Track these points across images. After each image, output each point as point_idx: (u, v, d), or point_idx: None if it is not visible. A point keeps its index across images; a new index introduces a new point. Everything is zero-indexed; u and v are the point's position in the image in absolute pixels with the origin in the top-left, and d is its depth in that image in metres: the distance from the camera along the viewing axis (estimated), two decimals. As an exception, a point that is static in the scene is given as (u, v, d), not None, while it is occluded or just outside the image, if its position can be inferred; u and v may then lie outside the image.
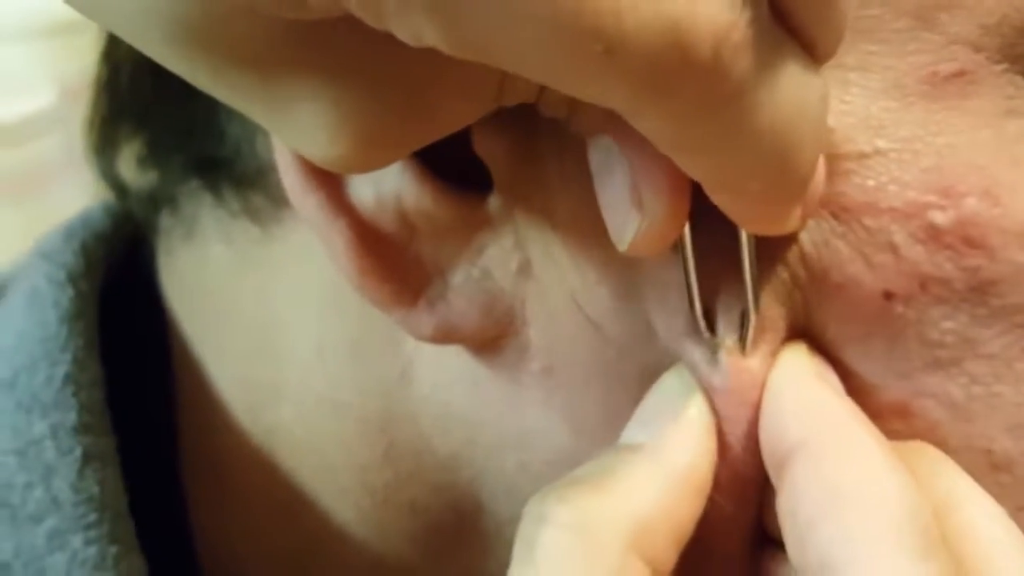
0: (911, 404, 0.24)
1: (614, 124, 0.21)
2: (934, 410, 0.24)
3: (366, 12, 0.17)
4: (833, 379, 0.24)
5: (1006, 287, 0.23)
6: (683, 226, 0.22)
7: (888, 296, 0.23)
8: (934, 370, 0.23)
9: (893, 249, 0.23)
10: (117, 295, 0.32)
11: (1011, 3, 0.22)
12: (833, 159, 0.22)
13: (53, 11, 0.85)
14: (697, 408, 0.24)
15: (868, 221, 0.22)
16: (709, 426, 0.24)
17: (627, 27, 0.17)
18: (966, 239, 0.22)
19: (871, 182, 0.22)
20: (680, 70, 0.17)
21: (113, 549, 0.27)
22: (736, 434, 0.24)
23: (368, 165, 0.21)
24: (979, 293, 0.23)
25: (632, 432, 0.24)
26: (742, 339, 0.23)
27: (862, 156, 0.22)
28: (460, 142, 0.24)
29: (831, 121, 0.22)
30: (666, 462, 0.23)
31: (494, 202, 0.25)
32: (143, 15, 0.19)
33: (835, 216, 0.23)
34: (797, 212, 0.22)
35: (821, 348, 0.24)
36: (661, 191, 0.21)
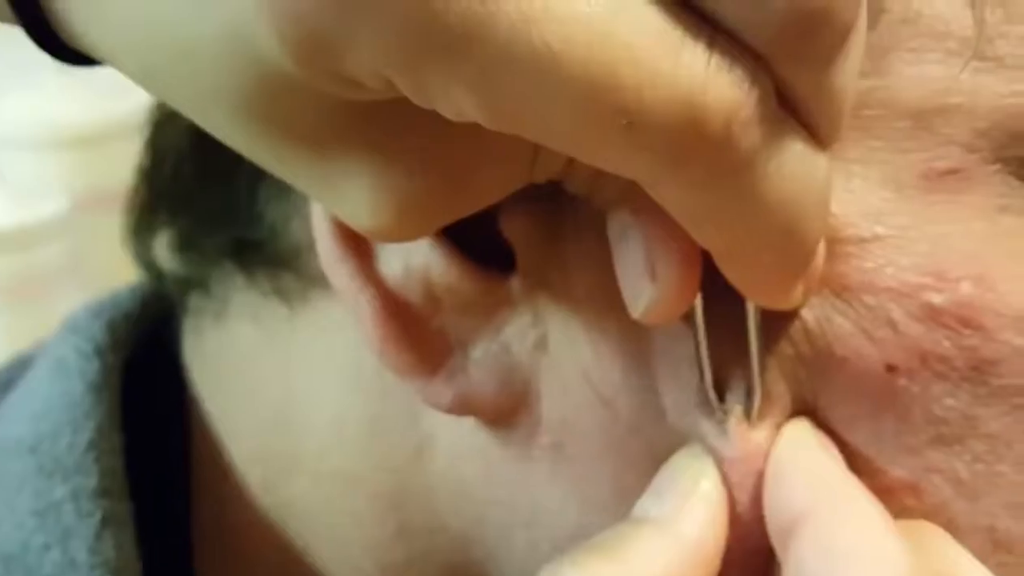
0: (920, 481, 0.24)
1: (632, 197, 0.22)
2: (942, 487, 0.24)
3: (415, 92, 0.19)
4: (835, 452, 0.25)
5: (1004, 368, 0.24)
6: (694, 296, 0.23)
7: (890, 369, 0.24)
8: (939, 446, 0.24)
9: (892, 325, 0.24)
10: (141, 372, 0.33)
11: (1003, 110, 0.24)
12: (836, 242, 0.24)
13: (71, 124, 0.88)
14: (710, 482, 0.24)
15: (868, 299, 0.24)
16: (721, 501, 0.24)
17: (647, 104, 0.18)
18: (962, 320, 0.24)
19: (870, 264, 0.24)
20: (695, 143, 0.19)
21: None
22: (744, 505, 0.25)
23: (408, 235, 0.22)
24: (979, 372, 0.24)
25: (646, 504, 0.25)
26: (748, 411, 0.25)
27: (862, 240, 0.24)
28: (487, 221, 0.26)
29: (835, 208, 0.24)
30: (678, 534, 0.24)
31: (517, 280, 0.26)
32: (211, 92, 0.21)
33: (836, 294, 0.24)
34: (800, 287, 0.23)
35: (828, 427, 0.25)
36: (673, 261, 0.23)
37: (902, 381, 0.24)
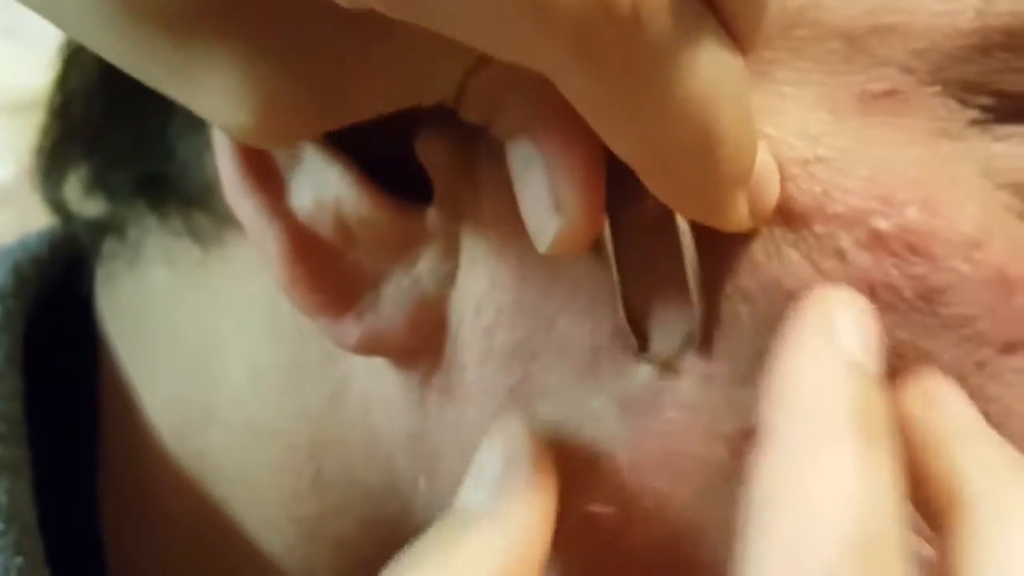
0: None
1: (533, 124, 0.21)
2: None
3: None
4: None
5: (952, 296, 0.23)
6: (601, 224, 0.22)
7: None
8: (893, 379, 0.23)
9: (840, 254, 0.23)
10: (49, 317, 0.32)
11: (939, 29, 0.23)
12: (781, 164, 0.23)
13: (16, 88, 0.86)
14: (538, 466, 0.23)
15: (817, 227, 0.23)
16: (551, 488, 0.23)
17: None
18: (910, 246, 0.22)
19: (817, 188, 0.23)
20: (603, 27, 0.18)
21: (18, 561, 0.26)
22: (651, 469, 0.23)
23: (275, 137, 0.21)
24: (927, 302, 0.23)
25: (470, 494, 0.23)
26: (672, 359, 0.23)
27: (805, 162, 0.23)
28: (403, 149, 0.24)
29: (771, 130, 0.23)
30: (508, 537, 0.22)
31: (433, 211, 0.25)
32: None
33: (787, 223, 0.23)
34: (741, 206, 0.22)
35: None
36: (578, 187, 0.21)
37: None
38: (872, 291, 0.23)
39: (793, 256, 0.23)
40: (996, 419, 0.23)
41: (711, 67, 0.20)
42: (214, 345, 0.29)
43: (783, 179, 0.23)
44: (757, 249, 0.23)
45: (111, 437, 0.30)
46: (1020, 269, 0.23)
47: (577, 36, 0.18)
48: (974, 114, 0.23)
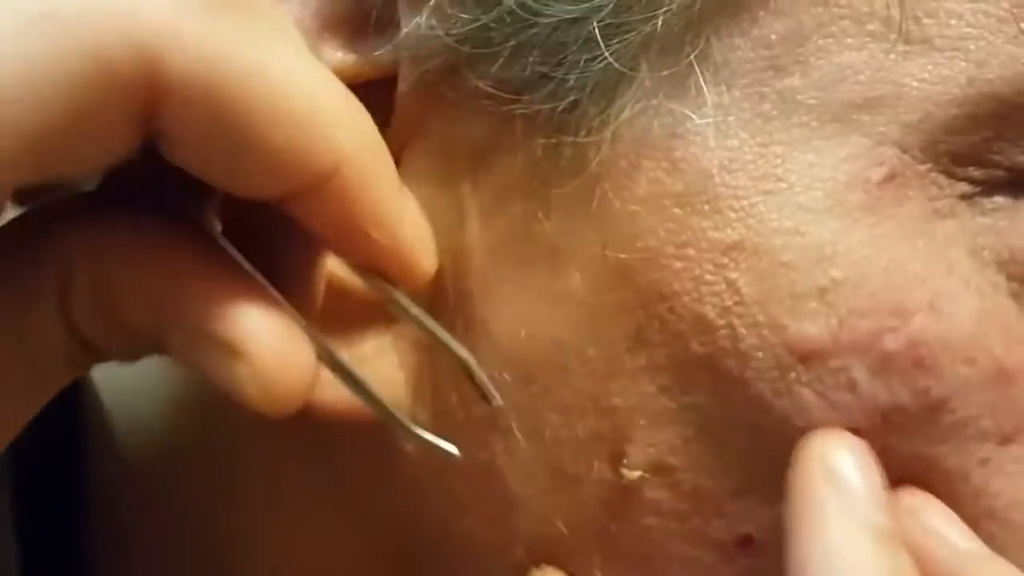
0: None
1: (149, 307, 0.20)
2: None
3: None
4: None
5: (954, 403, 0.22)
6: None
7: (853, 433, 0.22)
8: (898, 487, 0.23)
9: (852, 386, 0.22)
10: None
11: (932, 99, 0.22)
12: (798, 299, 0.22)
13: None
14: None
15: (833, 361, 0.22)
16: None
17: None
18: (916, 360, 0.22)
19: (834, 320, 0.22)
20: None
21: None
22: None
23: None
24: (932, 413, 0.22)
25: None
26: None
27: (823, 291, 0.22)
28: None
29: (789, 256, 0.22)
30: None
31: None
32: None
33: (802, 362, 0.22)
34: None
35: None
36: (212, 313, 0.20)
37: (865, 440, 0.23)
38: (883, 417, 0.22)
39: (804, 394, 0.22)
40: (1002, 512, 0.23)
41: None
42: None
43: (802, 314, 0.22)
44: (766, 389, 0.22)
45: (94, 451, 0.30)
46: (1015, 358, 0.23)
47: None
48: (963, 188, 0.23)
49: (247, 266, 0.21)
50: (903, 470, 0.23)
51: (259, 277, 0.21)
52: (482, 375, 0.23)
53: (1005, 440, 0.23)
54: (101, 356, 0.21)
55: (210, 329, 0.20)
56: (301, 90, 0.19)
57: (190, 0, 0.18)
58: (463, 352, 0.23)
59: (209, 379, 0.20)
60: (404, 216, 0.22)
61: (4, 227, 0.21)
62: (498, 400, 0.23)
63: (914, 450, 0.23)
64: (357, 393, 0.22)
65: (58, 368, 0.21)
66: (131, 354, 0.22)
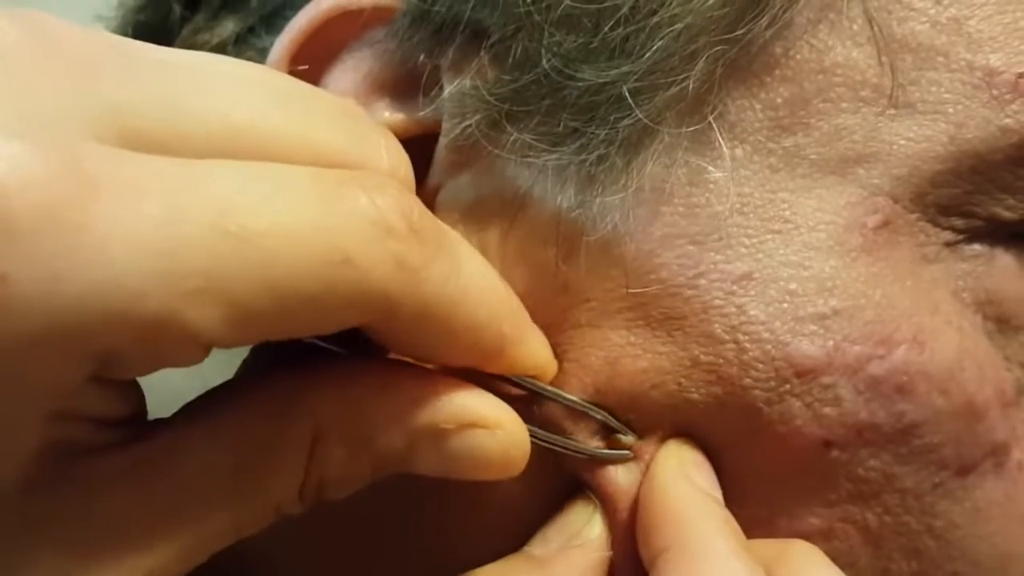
0: (833, 528, 0.25)
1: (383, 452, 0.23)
2: (852, 535, 0.25)
3: None
4: (705, 478, 0.25)
5: (926, 428, 0.25)
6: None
7: (827, 444, 0.25)
8: (856, 501, 0.25)
9: (838, 402, 0.25)
10: None
11: (918, 155, 0.25)
12: (801, 321, 0.25)
13: None
14: (594, 531, 0.25)
15: (825, 379, 0.25)
16: (601, 550, 0.25)
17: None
18: (898, 387, 0.25)
19: (830, 343, 0.25)
20: (393, 243, 0.21)
21: None
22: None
23: None
24: (904, 435, 0.25)
25: (534, 543, 0.26)
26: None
27: (822, 317, 0.25)
28: None
29: (795, 286, 0.25)
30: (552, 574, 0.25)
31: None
32: None
33: (797, 376, 0.25)
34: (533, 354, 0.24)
35: (745, 480, 0.25)
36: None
37: (835, 453, 0.25)
38: (859, 433, 0.25)
39: (794, 404, 0.25)
40: (938, 531, 0.25)
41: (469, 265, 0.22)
42: None
43: (804, 335, 0.24)
44: (759, 396, 0.25)
45: None
46: (985, 395, 0.25)
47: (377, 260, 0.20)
48: (947, 236, 0.26)
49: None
50: (863, 482, 0.25)
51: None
52: (618, 423, 0.25)
53: (962, 470, 0.25)
54: (331, 493, 0.23)
55: (467, 417, 0.23)
56: (481, 311, 0.23)
57: (408, 253, 0.21)
58: (595, 409, 0.25)
59: (462, 467, 0.23)
60: (536, 345, 0.25)
61: (241, 383, 0.23)
62: (628, 445, 0.26)
63: (879, 466, 0.25)
64: (546, 438, 0.25)
65: (290, 508, 0.23)
66: (365, 482, 0.23)
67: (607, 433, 0.26)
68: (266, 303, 0.19)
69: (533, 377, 0.25)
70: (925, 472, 0.25)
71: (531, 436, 0.24)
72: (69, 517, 0.20)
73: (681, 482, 0.25)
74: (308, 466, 0.22)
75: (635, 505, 0.25)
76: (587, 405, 0.25)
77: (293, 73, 0.26)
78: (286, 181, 0.20)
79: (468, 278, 0.22)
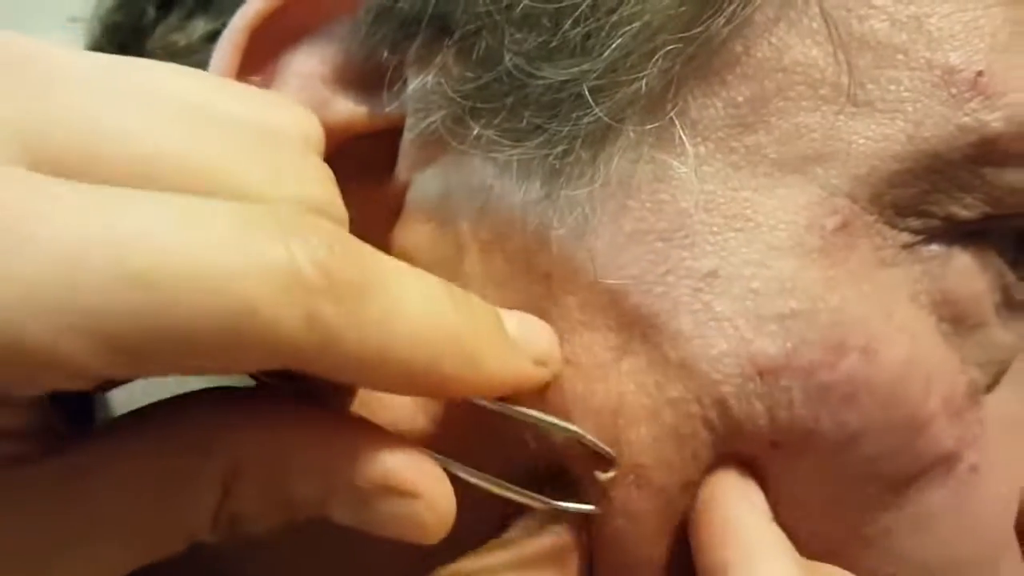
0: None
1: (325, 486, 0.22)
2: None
3: None
4: (758, 503, 0.25)
5: (865, 440, 0.25)
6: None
7: (774, 446, 0.25)
8: (790, 507, 0.25)
9: (790, 406, 0.25)
10: None
11: (877, 154, 0.25)
12: (763, 320, 0.25)
13: None
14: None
15: (784, 380, 0.25)
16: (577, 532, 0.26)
17: None
18: (845, 397, 0.25)
19: (789, 344, 0.25)
20: (304, 296, 0.20)
21: None
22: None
23: None
24: (845, 444, 0.25)
25: (513, 528, 0.26)
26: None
27: (782, 317, 0.25)
28: None
29: (757, 284, 0.25)
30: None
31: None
32: None
33: (760, 375, 0.25)
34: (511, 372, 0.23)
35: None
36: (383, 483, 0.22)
37: (780, 456, 0.25)
38: (805, 438, 0.25)
39: (756, 406, 0.25)
40: (871, 539, 0.26)
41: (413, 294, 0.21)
42: None
43: (766, 334, 0.25)
44: (730, 394, 0.25)
45: None
46: (929, 407, 0.25)
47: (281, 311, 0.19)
48: (905, 237, 0.26)
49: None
50: (803, 489, 0.25)
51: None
52: (593, 439, 0.25)
53: (899, 483, 0.25)
54: (245, 526, 0.22)
55: (387, 481, 0.22)
56: (418, 353, 0.21)
57: (320, 306, 0.20)
58: (571, 426, 0.25)
59: (377, 527, 0.22)
60: (514, 361, 0.24)
61: (167, 405, 0.23)
62: (611, 452, 0.25)
63: (820, 474, 0.25)
64: (490, 487, 0.24)
65: (200, 537, 0.22)
66: (280, 523, 0.23)
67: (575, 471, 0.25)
68: (157, 346, 0.19)
69: (503, 399, 0.24)
70: (864, 481, 0.25)
71: (491, 486, 0.24)
72: None
73: (739, 501, 0.25)
74: (222, 499, 0.22)
75: (621, 508, 0.25)
76: (561, 425, 0.25)
77: (244, 70, 0.27)
78: (197, 219, 0.19)
79: (402, 324, 0.21)
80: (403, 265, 0.22)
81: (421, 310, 0.21)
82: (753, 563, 0.24)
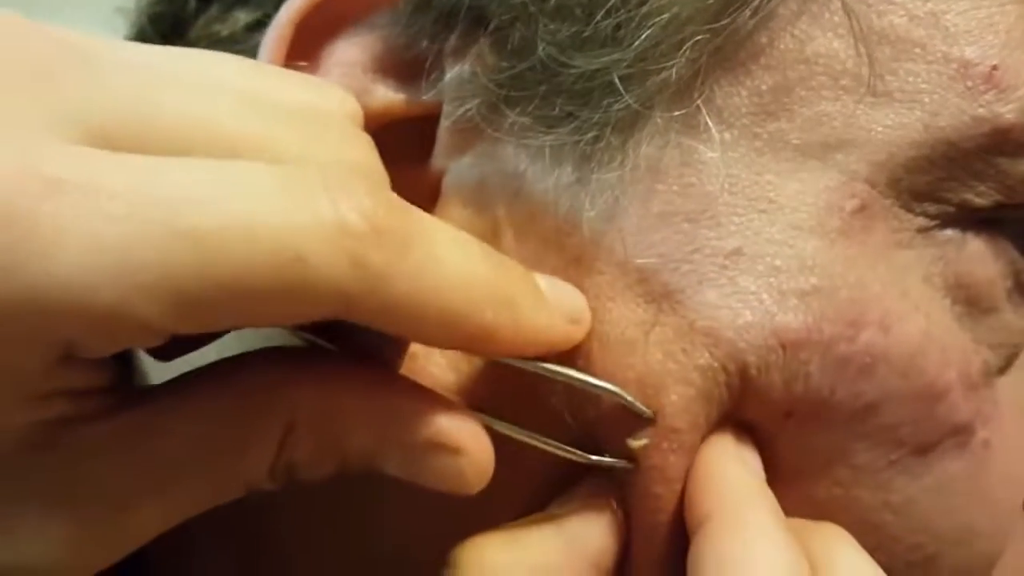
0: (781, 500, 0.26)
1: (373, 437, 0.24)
2: (800, 506, 0.26)
3: None
4: (753, 465, 0.26)
5: (883, 409, 0.26)
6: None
7: (788, 415, 0.26)
8: (804, 475, 0.26)
9: (806, 378, 0.26)
10: None
11: (895, 142, 0.26)
12: (785, 295, 0.26)
13: None
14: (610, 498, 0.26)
15: (802, 354, 0.26)
16: (615, 513, 0.26)
17: None
18: (861, 368, 0.26)
19: (810, 318, 0.26)
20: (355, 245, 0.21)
21: None
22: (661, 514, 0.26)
23: (89, 566, 0.22)
24: (861, 413, 0.26)
25: (556, 503, 0.27)
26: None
27: (803, 293, 0.26)
28: None
29: (780, 262, 0.26)
30: (572, 535, 0.26)
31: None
32: None
33: (783, 347, 0.26)
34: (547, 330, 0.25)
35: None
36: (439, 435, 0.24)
37: (792, 425, 0.26)
38: (819, 409, 0.26)
39: (775, 378, 0.26)
40: (896, 507, 0.27)
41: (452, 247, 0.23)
42: None
43: (789, 309, 0.26)
44: (752, 364, 0.26)
45: None
46: (947, 378, 0.26)
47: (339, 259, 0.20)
48: (920, 222, 0.27)
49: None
50: (818, 456, 0.26)
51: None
52: (633, 399, 0.26)
53: (920, 449, 0.26)
54: (301, 475, 0.24)
55: (435, 438, 0.24)
56: (458, 302, 0.23)
57: (365, 251, 0.21)
58: (610, 385, 0.26)
59: (423, 479, 0.24)
60: (537, 325, 0.25)
61: (229, 364, 0.24)
62: (649, 413, 0.26)
63: (835, 442, 0.26)
64: (531, 442, 0.26)
65: (260, 485, 0.23)
66: (333, 471, 0.24)
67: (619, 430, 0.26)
68: (215, 298, 0.20)
69: (539, 358, 0.25)
70: (881, 449, 0.26)
71: (530, 440, 0.25)
72: (55, 480, 0.21)
73: (732, 460, 0.26)
74: (279, 451, 0.23)
75: (657, 471, 0.26)
76: (601, 385, 0.26)
77: (289, 60, 0.28)
78: (244, 178, 0.21)
79: (442, 271, 0.22)
80: (440, 221, 0.23)
81: (461, 259, 0.23)
82: (737, 514, 0.25)
